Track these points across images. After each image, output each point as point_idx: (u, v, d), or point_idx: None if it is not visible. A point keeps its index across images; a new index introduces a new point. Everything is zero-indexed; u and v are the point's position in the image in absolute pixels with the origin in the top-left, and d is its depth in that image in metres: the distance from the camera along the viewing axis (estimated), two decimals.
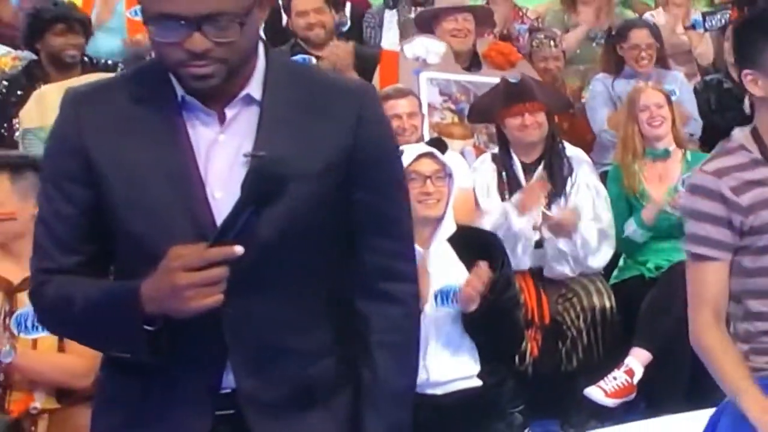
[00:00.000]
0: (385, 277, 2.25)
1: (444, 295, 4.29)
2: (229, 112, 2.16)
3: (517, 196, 5.17)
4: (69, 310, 2.17)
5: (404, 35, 6.74)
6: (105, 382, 2.31)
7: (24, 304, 3.90)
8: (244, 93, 2.15)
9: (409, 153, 4.36)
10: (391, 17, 6.28)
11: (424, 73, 6.08)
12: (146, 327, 2.09)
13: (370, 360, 2.24)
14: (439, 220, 4.38)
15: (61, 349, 3.96)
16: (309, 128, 2.17)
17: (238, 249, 2.02)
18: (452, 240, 4.40)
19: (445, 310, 4.28)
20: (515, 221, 5.07)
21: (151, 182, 2.13)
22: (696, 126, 6.39)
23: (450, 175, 4.40)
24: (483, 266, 4.21)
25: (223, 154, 2.14)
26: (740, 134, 2.96)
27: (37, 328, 3.96)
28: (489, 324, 4.30)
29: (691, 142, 6.09)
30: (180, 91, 2.15)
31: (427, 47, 6.11)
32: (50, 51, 5.76)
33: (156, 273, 2.07)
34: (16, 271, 3.93)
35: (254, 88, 2.16)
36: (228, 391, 2.19)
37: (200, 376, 2.19)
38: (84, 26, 5.84)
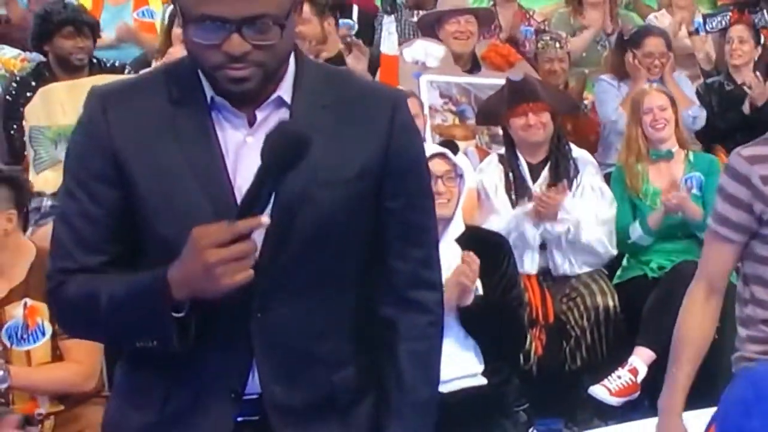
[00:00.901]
0: (413, 285, 2.24)
1: None
2: (260, 115, 2.14)
3: (530, 205, 5.19)
4: (93, 307, 2.13)
5: (403, 40, 6.76)
6: (124, 384, 2.28)
7: (12, 316, 3.90)
8: (275, 96, 2.13)
9: None
10: (389, 22, 6.28)
11: (425, 76, 6.10)
12: (174, 314, 2.06)
13: (397, 368, 2.23)
14: (448, 220, 4.38)
15: (56, 357, 3.95)
16: (341, 133, 2.14)
17: (265, 219, 2.00)
18: (460, 240, 4.41)
19: (449, 308, 4.18)
20: (529, 230, 5.12)
21: (180, 184, 2.11)
22: (698, 111, 6.40)
23: (461, 176, 4.41)
24: (471, 256, 4.21)
25: (252, 156, 2.07)
26: None
27: (27, 340, 3.93)
28: (493, 323, 4.31)
29: (694, 143, 6.12)
30: (210, 92, 2.14)
31: (427, 50, 6.14)
32: (59, 53, 5.76)
33: (183, 255, 2.03)
34: (1, 283, 3.94)
35: (285, 90, 2.14)
36: (253, 397, 2.17)
37: (226, 380, 2.16)
38: (92, 29, 5.85)
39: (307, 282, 2.13)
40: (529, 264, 5.18)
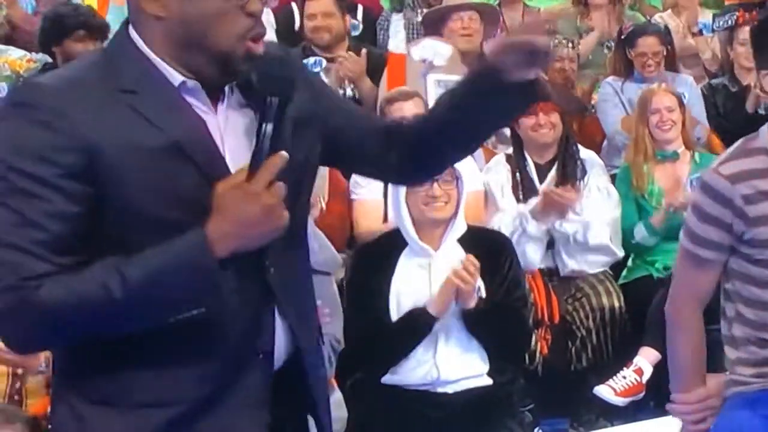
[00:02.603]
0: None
1: None
2: (227, 93, 2.17)
3: (534, 202, 5.19)
4: (100, 300, 2.01)
5: (411, 38, 6.78)
6: (121, 388, 2.14)
7: None
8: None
9: None
10: (397, 21, 6.31)
11: (431, 75, 6.08)
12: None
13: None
14: (448, 222, 4.41)
15: None
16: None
17: (284, 154, 2.04)
18: (462, 240, 4.44)
19: (454, 309, 4.31)
20: (531, 227, 5.13)
21: (173, 166, 2.08)
22: (702, 131, 6.38)
23: (459, 178, 4.42)
24: (471, 259, 4.24)
25: (233, 130, 2.15)
26: (766, 133, 2.88)
27: None
28: (498, 323, 4.34)
29: (699, 145, 6.09)
30: (179, 78, 2.11)
31: (434, 49, 6.12)
32: (69, 56, 5.76)
33: (224, 208, 2.03)
34: None
35: None
36: (276, 354, 2.20)
37: (254, 340, 2.17)
38: (103, 31, 5.86)
39: (293, 233, 2.16)
40: (534, 258, 5.18)
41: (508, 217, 5.19)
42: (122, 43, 2.14)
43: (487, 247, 4.45)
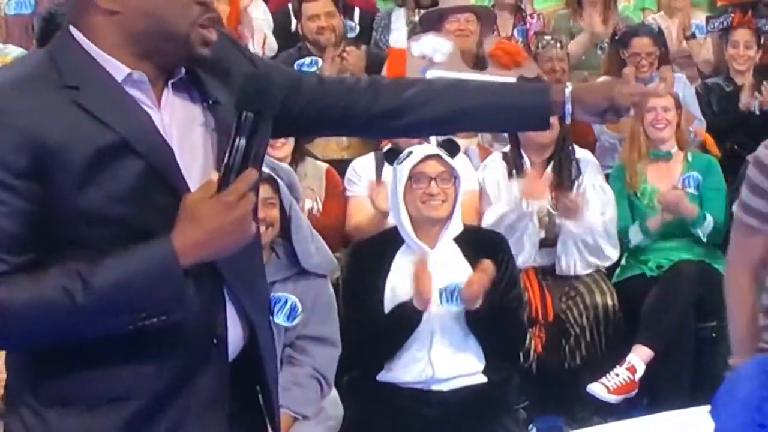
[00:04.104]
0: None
1: (449, 293, 4.33)
2: (171, 86, 2.19)
3: (521, 181, 5.27)
4: (60, 303, 2.01)
5: (411, 34, 6.81)
6: (77, 390, 2.13)
7: None
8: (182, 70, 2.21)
9: (416, 154, 4.45)
10: (400, 15, 6.33)
11: (431, 71, 5.98)
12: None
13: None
14: (445, 221, 4.45)
15: None
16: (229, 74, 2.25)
17: (254, 173, 2.07)
18: (458, 239, 4.47)
19: (449, 307, 4.34)
20: (524, 206, 5.18)
21: (120, 161, 2.07)
22: (697, 128, 6.42)
23: (456, 177, 4.46)
24: (488, 263, 4.26)
25: (177, 124, 2.16)
26: None
27: None
28: (493, 323, 4.36)
29: (693, 143, 6.14)
30: (125, 70, 2.11)
31: (434, 46, 6.07)
32: None
33: (195, 217, 2.05)
34: None
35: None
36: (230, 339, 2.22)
37: (207, 328, 2.18)
38: None
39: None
40: (528, 252, 5.23)
41: (503, 205, 5.25)
42: (64, 40, 2.15)
43: (484, 247, 4.47)
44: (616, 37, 6.76)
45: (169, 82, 2.19)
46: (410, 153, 4.48)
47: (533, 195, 5.21)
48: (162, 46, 2.13)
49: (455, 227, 4.48)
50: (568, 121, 2.43)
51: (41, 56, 2.16)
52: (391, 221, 4.77)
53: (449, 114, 2.46)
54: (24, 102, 2.04)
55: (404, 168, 4.45)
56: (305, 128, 2.59)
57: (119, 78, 2.12)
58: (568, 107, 2.39)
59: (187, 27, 2.12)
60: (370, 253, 4.52)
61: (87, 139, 2.05)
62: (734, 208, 3.14)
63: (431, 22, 6.57)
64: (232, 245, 2.09)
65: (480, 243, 4.51)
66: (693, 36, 7.35)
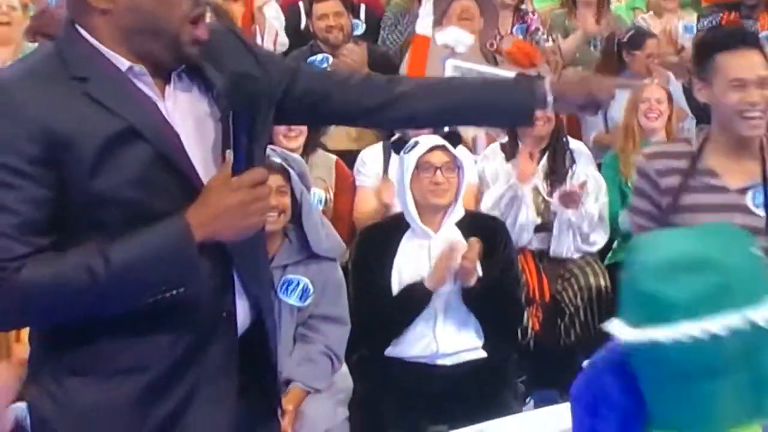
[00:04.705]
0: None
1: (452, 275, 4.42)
2: (175, 77, 2.25)
3: (514, 162, 5.39)
4: (81, 279, 2.08)
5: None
6: (94, 358, 2.21)
7: None
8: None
9: (422, 144, 4.57)
10: (428, 2, 6.40)
11: (451, 60, 6.08)
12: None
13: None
14: (448, 207, 4.58)
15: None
16: (230, 64, 2.31)
17: (263, 171, 2.18)
18: (460, 224, 4.59)
19: (451, 288, 4.46)
20: (520, 188, 5.30)
21: (129, 148, 2.13)
22: (690, 123, 6.56)
23: (460, 167, 4.59)
24: (474, 241, 4.38)
25: (182, 114, 2.23)
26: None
27: None
28: (491, 301, 4.48)
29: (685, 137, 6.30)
30: (126, 63, 2.17)
31: (457, 38, 6.18)
32: None
33: (207, 197, 2.13)
34: None
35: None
36: (238, 314, 2.30)
37: (217, 302, 2.25)
38: None
39: None
40: (524, 233, 5.34)
41: (500, 185, 5.37)
42: (70, 34, 2.19)
43: (484, 230, 4.58)
44: (624, 40, 6.82)
45: (173, 74, 2.23)
46: (417, 143, 4.59)
47: (524, 175, 5.29)
48: (153, 44, 2.17)
49: (457, 213, 4.61)
50: (549, 110, 2.52)
51: (49, 50, 2.22)
52: (397, 207, 4.88)
53: (438, 109, 2.52)
54: (35, 94, 2.09)
55: (411, 157, 4.55)
56: (304, 117, 2.64)
57: (123, 68, 2.18)
58: (550, 98, 2.44)
59: (177, 23, 2.16)
60: (378, 238, 4.61)
61: (96, 127, 2.10)
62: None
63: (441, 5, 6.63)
64: (241, 227, 2.16)
65: (480, 227, 4.61)
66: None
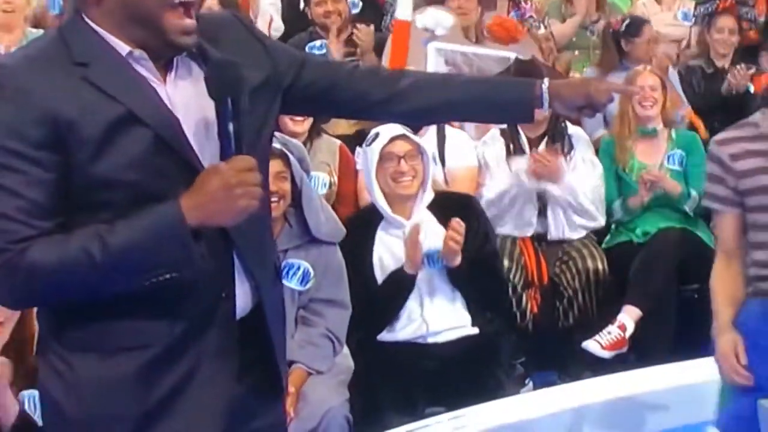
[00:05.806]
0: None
1: (431, 257, 4.53)
2: (177, 60, 2.27)
3: (522, 161, 5.42)
4: (81, 261, 2.13)
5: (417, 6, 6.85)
6: (96, 336, 2.25)
7: None
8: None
9: (383, 135, 4.58)
10: None
11: (433, 43, 6.12)
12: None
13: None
14: (417, 194, 4.64)
15: None
16: (237, 53, 2.32)
17: (248, 158, 2.18)
18: (431, 206, 4.65)
19: (434, 269, 4.54)
20: (528, 183, 5.38)
21: (129, 133, 2.15)
22: (688, 109, 6.62)
23: (423, 153, 4.62)
24: (456, 222, 4.45)
25: (183, 98, 2.24)
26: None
27: None
28: (474, 276, 4.55)
29: (682, 125, 6.28)
30: (126, 48, 2.20)
31: (437, 19, 6.18)
32: None
33: (202, 182, 2.15)
34: None
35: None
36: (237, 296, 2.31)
37: (217, 283, 2.28)
38: None
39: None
40: (527, 222, 5.42)
41: (503, 181, 5.42)
42: (74, 20, 2.24)
43: (456, 208, 4.62)
44: (621, 29, 6.81)
45: (176, 59, 2.26)
46: (378, 134, 4.62)
47: (545, 176, 5.37)
48: (142, 33, 2.20)
49: (427, 197, 4.66)
50: (545, 110, 2.53)
51: (53, 35, 2.25)
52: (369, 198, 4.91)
53: (440, 105, 2.54)
54: (38, 80, 2.13)
55: (374, 149, 4.58)
56: (309, 107, 2.66)
57: (123, 53, 2.21)
58: (546, 98, 2.46)
59: (156, 9, 2.18)
60: (356, 228, 4.63)
61: (97, 113, 2.13)
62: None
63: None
64: (230, 211, 2.17)
65: (451, 206, 4.67)
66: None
